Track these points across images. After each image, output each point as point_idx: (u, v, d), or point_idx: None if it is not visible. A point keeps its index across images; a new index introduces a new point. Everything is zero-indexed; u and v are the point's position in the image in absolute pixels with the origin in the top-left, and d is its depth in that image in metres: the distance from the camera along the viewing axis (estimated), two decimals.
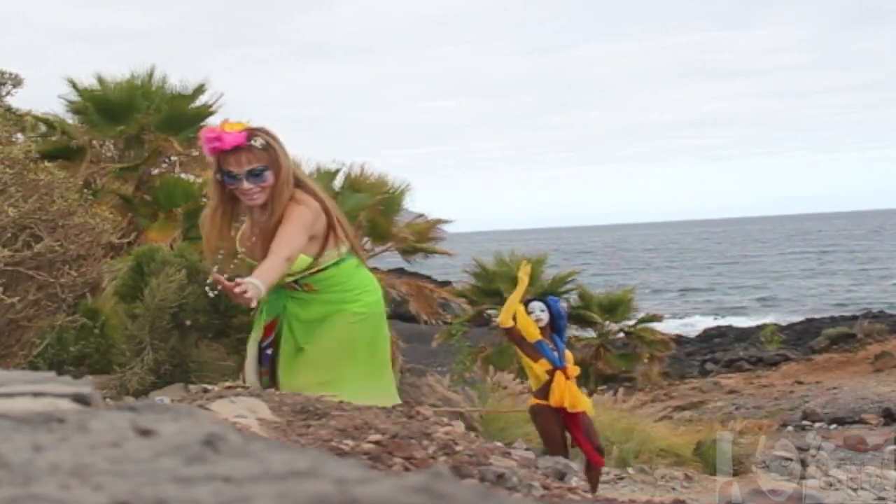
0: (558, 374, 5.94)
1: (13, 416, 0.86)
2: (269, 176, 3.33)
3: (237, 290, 2.93)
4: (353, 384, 3.45)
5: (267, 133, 3.39)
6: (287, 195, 3.37)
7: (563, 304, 6.60)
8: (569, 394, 5.96)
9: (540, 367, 6.03)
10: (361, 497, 0.67)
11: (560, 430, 5.99)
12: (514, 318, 6.07)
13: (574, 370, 6.07)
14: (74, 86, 12.82)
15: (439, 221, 14.20)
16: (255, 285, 3.02)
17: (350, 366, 3.53)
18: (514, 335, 6.24)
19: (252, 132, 3.35)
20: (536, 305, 6.11)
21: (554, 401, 5.93)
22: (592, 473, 5.94)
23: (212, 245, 3.55)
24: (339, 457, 1.63)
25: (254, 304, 3.03)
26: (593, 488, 5.72)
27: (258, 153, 3.32)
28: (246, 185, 3.32)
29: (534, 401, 6.15)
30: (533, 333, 6.01)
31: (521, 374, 13.09)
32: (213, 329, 7.88)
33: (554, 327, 6.08)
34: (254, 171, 3.32)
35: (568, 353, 6.11)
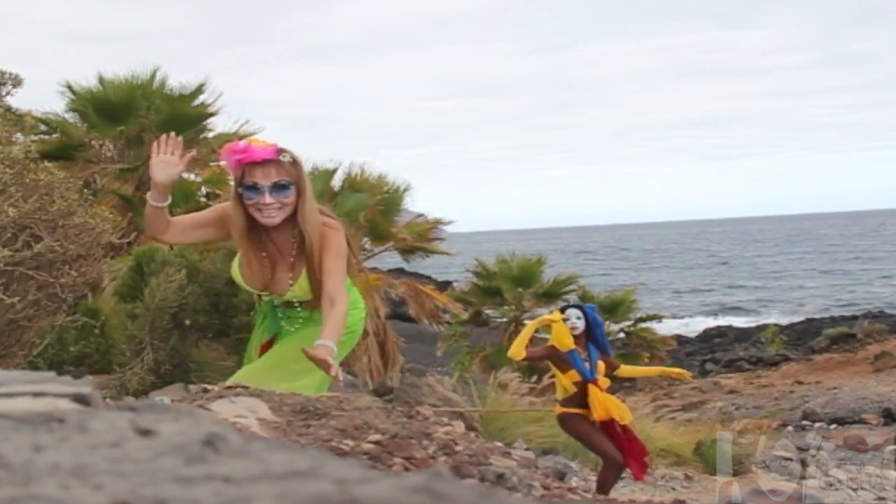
0: (592, 388, 5.72)
1: (13, 416, 0.86)
2: (291, 193, 3.31)
3: (330, 367, 3.05)
4: (310, 380, 3.47)
5: (293, 153, 3.38)
6: (318, 218, 3.37)
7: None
8: (612, 405, 5.75)
9: (567, 379, 5.81)
10: (361, 497, 0.67)
11: (595, 430, 5.77)
12: (543, 336, 5.94)
13: (605, 381, 5.84)
14: (72, 90, 12.83)
15: (439, 222, 14.20)
16: (329, 348, 3.11)
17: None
18: (537, 357, 6.16)
19: (280, 148, 3.34)
20: (573, 312, 5.91)
21: (598, 416, 5.70)
22: (614, 477, 5.80)
23: (258, 277, 3.46)
24: (339, 457, 1.63)
25: (335, 372, 3.08)
26: (605, 490, 5.60)
27: (287, 167, 3.30)
28: (268, 198, 3.28)
29: (559, 409, 5.97)
30: (566, 343, 5.77)
31: (523, 372, 13.10)
32: (213, 329, 7.88)
33: (589, 335, 5.88)
34: (279, 183, 3.28)
35: (600, 364, 5.88)
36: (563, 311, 6.02)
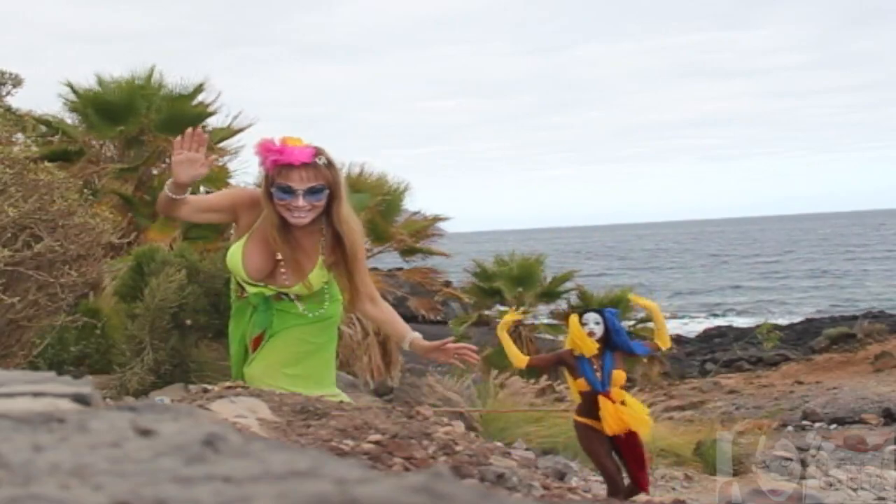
0: (603, 400, 5.42)
1: (13, 416, 0.86)
2: (324, 196, 3.27)
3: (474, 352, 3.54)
4: (318, 377, 3.48)
5: (328, 154, 3.33)
6: (356, 220, 3.38)
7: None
8: (627, 415, 5.42)
9: (575, 387, 5.55)
10: (361, 497, 0.67)
11: (605, 450, 5.52)
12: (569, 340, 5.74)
13: (619, 394, 5.49)
14: (73, 89, 12.82)
15: (437, 218, 14.18)
16: (419, 338, 3.49)
17: (316, 358, 3.55)
18: (543, 364, 6.07)
19: (318, 150, 3.28)
20: (591, 317, 5.56)
21: (610, 429, 5.39)
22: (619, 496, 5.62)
23: (303, 269, 3.40)
24: (339, 457, 1.63)
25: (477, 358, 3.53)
26: (617, 494, 5.46)
27: (323, 171, 3.26)
28: (301, 202, 3.23)
29: (574, 417, 5.79)
30: (591, 347, 5.44)
31: (523, 373, 13.10)
32: (213, 329, 7.87)
33: (608, 343, 5.49)
34: (313, 188, 3.24)
35: (618, 374, 5.49)
36: (581, 315, 5.66)
